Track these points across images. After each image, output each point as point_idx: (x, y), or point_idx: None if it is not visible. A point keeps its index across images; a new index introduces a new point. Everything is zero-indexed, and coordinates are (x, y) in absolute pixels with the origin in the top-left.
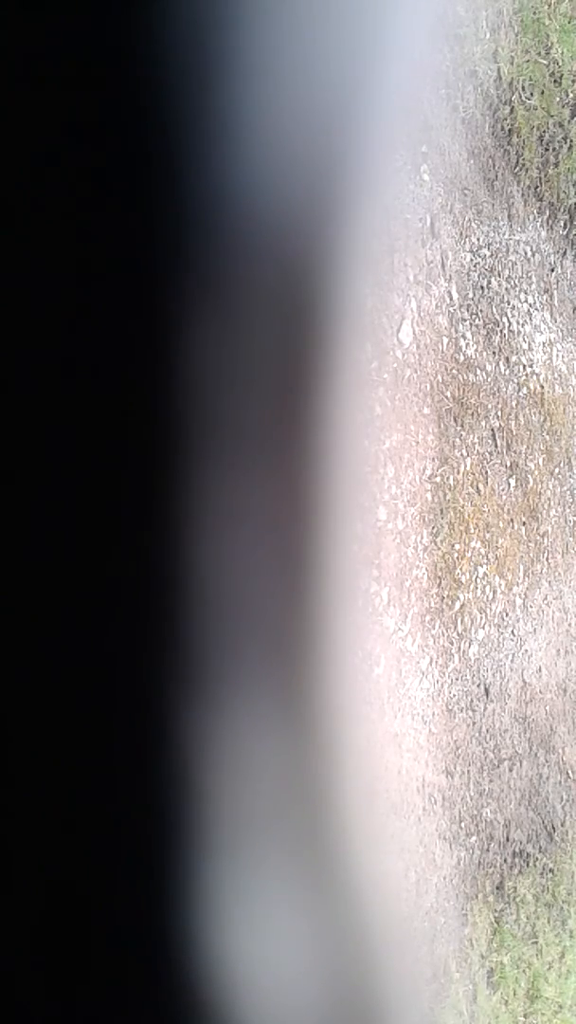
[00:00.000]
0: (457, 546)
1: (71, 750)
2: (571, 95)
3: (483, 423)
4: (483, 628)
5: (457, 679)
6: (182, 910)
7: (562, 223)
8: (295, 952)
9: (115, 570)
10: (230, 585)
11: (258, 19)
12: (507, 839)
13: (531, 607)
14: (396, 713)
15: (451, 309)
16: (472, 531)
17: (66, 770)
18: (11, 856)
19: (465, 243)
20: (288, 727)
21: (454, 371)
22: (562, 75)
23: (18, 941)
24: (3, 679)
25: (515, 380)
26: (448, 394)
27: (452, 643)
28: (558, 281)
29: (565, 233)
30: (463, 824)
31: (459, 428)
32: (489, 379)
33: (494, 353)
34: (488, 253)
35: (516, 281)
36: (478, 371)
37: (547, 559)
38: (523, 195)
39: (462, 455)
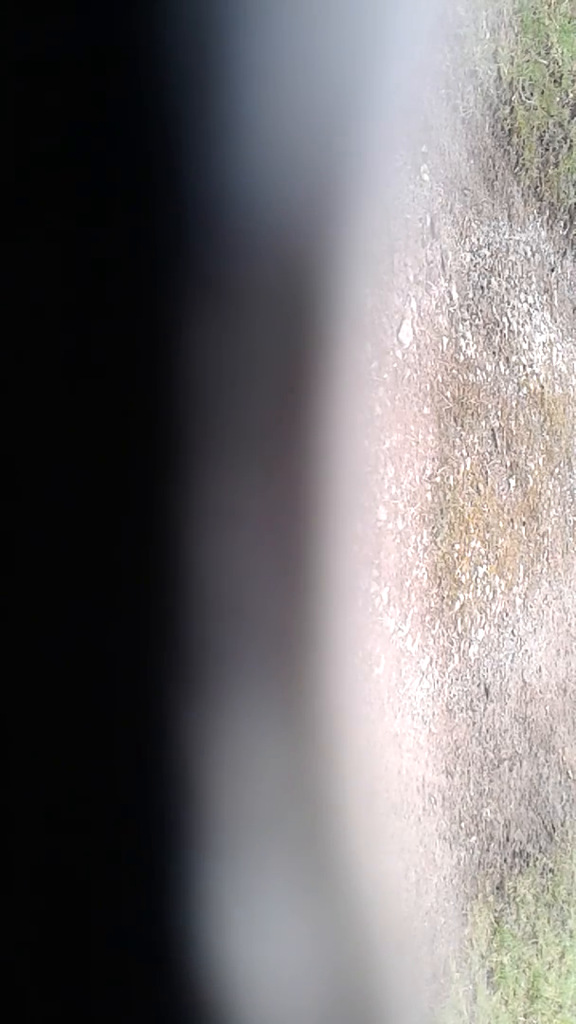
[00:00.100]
0: (457, 546)
1: (71, 750)
2: (571, 95)
3: (483, 423)
4: (483, 628)
5: (457, 679)
6: (182, 910)
7: (562, 223)
8: (295, 952)
9: (115, 570)
10: (230, 585)
11: (258, 19)
12: (507, 839)
13: (531, 607)
14: (396, 713)
15: (451, 309)
16: (472, 531)
17: (66, 770)
18: (11, 856)
19: (465, 243)
20: (288, 727)
21: (454, 371)
22: (562, 75)
23: (18, 941)
24: (3, 679)
25: (515, 380)
26: (448, 394)
27: (452, 643)
28: (558, 281)
29: (565, 233)
30: (463, 824)
31: (459, 428)
32: (489, 379)
33: (494, 353)
34: (488, 253)
35: (516, 281)
36: (478, 371)
37: (547, 559)
38: (523, 195)
39: (462, 455)
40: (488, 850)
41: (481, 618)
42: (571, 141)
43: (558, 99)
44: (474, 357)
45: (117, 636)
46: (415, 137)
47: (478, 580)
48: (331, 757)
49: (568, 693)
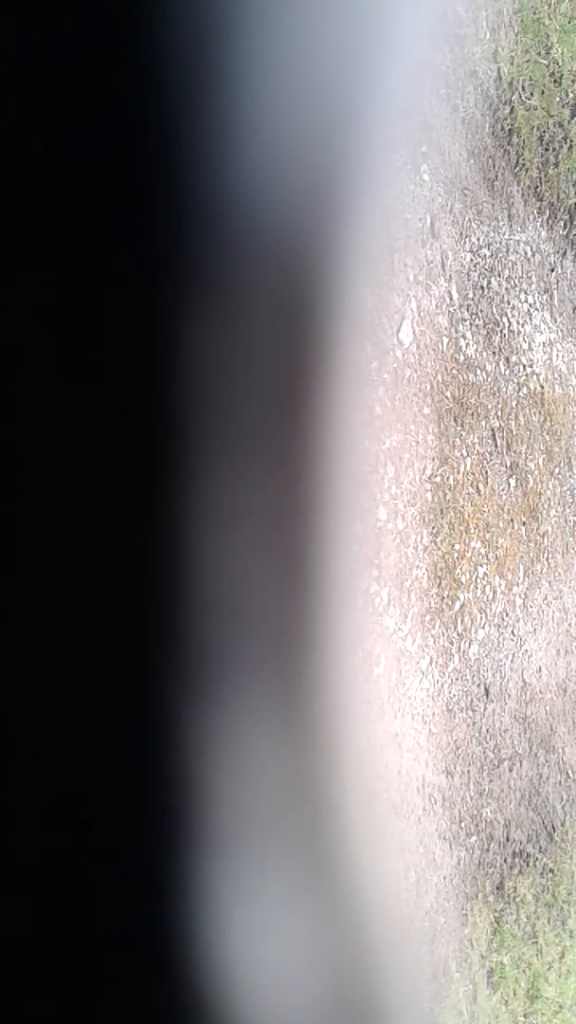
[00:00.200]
0: (457, 546)
1: (71, 750)
2: (571, 95)
3: (483, 423)
4: (483, 628)
5: (457, 679)
6: (182, 910)
7: (562, 223)
8: (295, 952)
9: (115, 570)
10: (230, 585)
11: (258, 19)
12: (507, 839)
13: (531, 607)
14: (396, 713)
15: (451, 309)
16: (472, 531)
17: (66, 770)
18: (11, 856)
19: (465, 243)
20: (288, 727)
21: (454, 371)
22: (562, 75)
23: (18, 941)
24: (4, 679)
25: (515, 380)
26: (448, 394)
27: (452, 643)
28: (558, 281)
29: (565, 233)
30: (463, 824)
31: (459, 428)
32: (489, 379)
33: (494, 353)
34: (488, 253)
35: (516, 281)
36: (478, 371)
37: (547, 559)
38: (523, 195)
39: (462, 455)
40: (488, 850)
41: (481, 618)
42: (571, 141)
43: (558, 99)
44: (474, 357)
45: (117, 636)
46: (415, 137)
47: (478, 580)
48: (331, 757)
49: (568, 693)
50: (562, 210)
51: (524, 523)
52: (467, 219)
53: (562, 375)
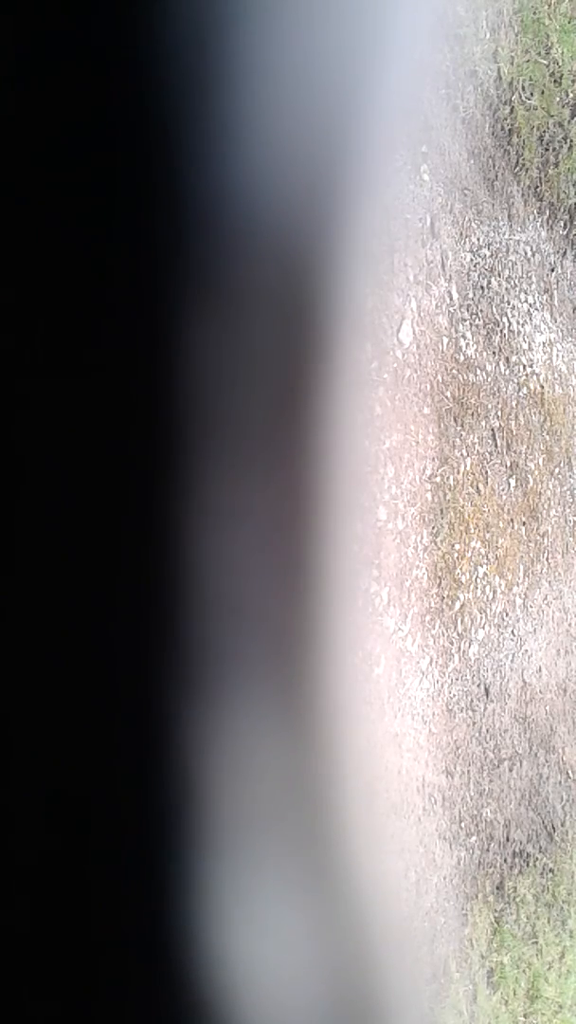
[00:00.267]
0: (457, 546)
1: (71, 750)
2: (571, 95)
3: (483, 423)
4: (483, 628)
5: (457, 679)
6: (182, 910)
7: (562, 223)
8: (295, 952)
9: (115, 570)
10: (230, 585)
11: (259, 19)
12: (507, 839)
13: (531, 607)
14: (396, 713)
15: (451, 309)
16: (472, 531)
17: (66, 770)
18: (11, 855)
19: (465, 243)
20: (288, 727)
21: (454, 371)
22: (562, 75)
23: (18, 940)
24: (4, 679)
25: (515, 380)
26: (448, 394)
27: (452, 643)
28: (558, 281)
29: (565, 233)
30: (463, 824)
31: (459, 428)
32: (489, 379)
33: (494, 353)
34: (488, 253)
35: (516, 281)
36: (478, 371)
37: (547, 559)
38: (523, 195)
39: (462, 455)
40: (488, 850)
41: (481, 618)
42: (571, 141)
43: (558, 99)
44: (474, 357)
45: (117, 636)
46: (415, 137)
47: (478, 580)
48: (331, 757)
49: (568, 693)
50: (562, 210)
51: (524, 523)
52: (467, 219)
53: (562, 375)
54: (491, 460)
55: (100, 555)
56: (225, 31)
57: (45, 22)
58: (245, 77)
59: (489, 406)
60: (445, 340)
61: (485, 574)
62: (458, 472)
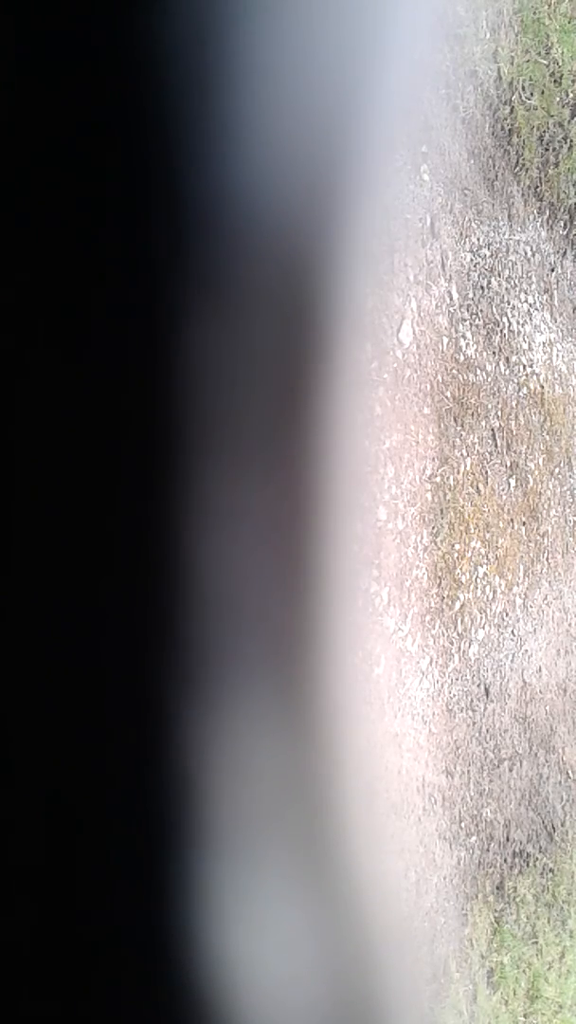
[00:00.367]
0: (457, 546)
1: (71, 749)
2: (571, 95)
3: (483, 423)
4: (483, 628)
5: (457, 679)
6: (182, 910)
7: (562, 223)
8: (295, 952)
9: (115, 570)
10: (230, 585)
11: (258, 19)
12: (507, 839)
13: (531, 607)
14: (396, 713)
15: (451, 309)
16: (472, 531)
17: (66, 770)
18: (11, 855)
19: (465, 243)
20: (288, 727)
21: (454, 371)
22: (562, 75)
23: (18, 940)
24: (3, 679)
25: (515, 380)
26: (448, 394)
27: (452, 643)
28: (558, 281)
29: (565, 233)
30: (463, 824)
31: (459, 428)
32: (489, 379)
33: (494, 353)
34: (488, 253)
35: (516, 281)
36: (478, 371)
37: (547, 559)
38: (523, 195)
39: (462, 455)
40: (488, 850)
41: (481, 618)
42: (571, 141)
43: (558, 99)
44: (474, 357)
45: (117, 636)
46: (415, 137)
47: (478, 580)
48: (331, 757)
49: (568, 693)
50: (562, 210)
51: (524, 523)
52: (467, 219)
53: (562, 375)
54: (491, 460)
55: (100, 555)
56: (225, 31)
57: (45, 22)
58: (245, 77)
59: (489, 406)
60: (445, 340)
61: (485, 574)
62: (458, 472)
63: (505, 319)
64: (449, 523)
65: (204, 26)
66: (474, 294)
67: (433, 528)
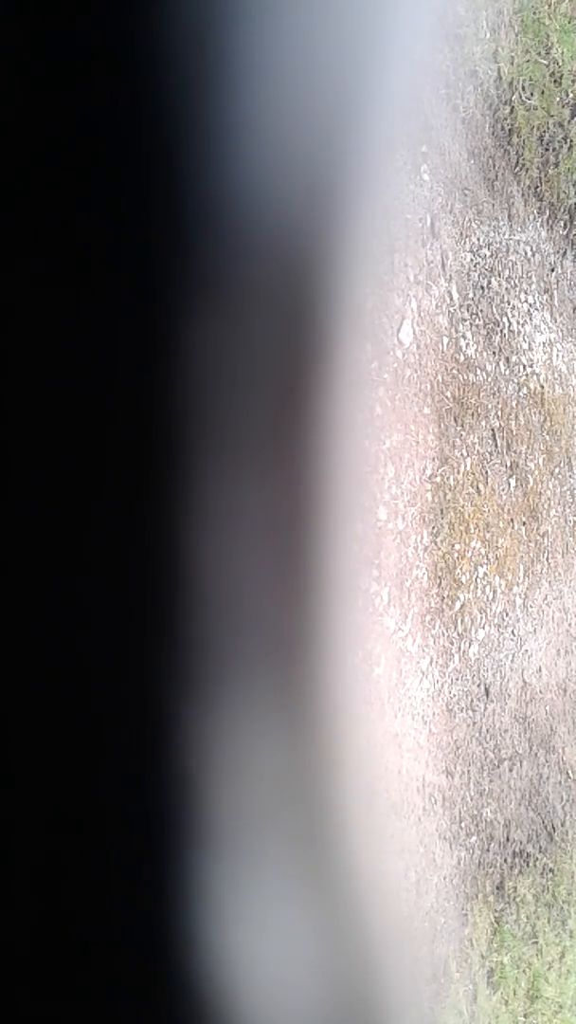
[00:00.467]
0: (457, 546)
1: (71, 749)
2: (571, 95)
3: (483, 423)
4: (483, 628)
5: (457, 679)
6: (182, 910)
7: (562, 223)
8: (295, 952)
9: (115, 570)
10: (230, 585)
11: (258, 19)
12: (507, 839)
13: (531, 607)
14: (396, 713)
15: (451, 309)
16: (472, 531)
17: (66, 770)
18: (11, 855)
19: (465, 243)
20: (288, 727)
21: (454, 371)
22: (562, 75)
23: (18, 941)
24: (3, 679)
25: (515, 380)
26: (448, 394)
27: (452, 643)
28: (558, 281)
29: (565, 233)
30: (463, 824)
31: (459, 428)
32: (489, 379)
33: (494, 353)
34: (488, 253)
35: (516, 281)
36: (478, 371)
37: (547, 559)
38: (523, 195)
39: (462, 455)
40: (488, 850)
41: (481, 618)
42: (571, 141)
43: (558, 99)
44: (474, 357)
45: (117, 636)
46: (415, 137)
47: (478, 580)
48: (331, 757)
49: (568, 693)
50: (562, 210)
51: (524, 523)
52: (467, 219)
53: (562, 375)
54: (491, 460)
55: (99, 555)
56: (225, 31)
57: (44, 22)
58: (245, 77)
59: (489, 406)
60: (445, 340)
61: (485, 574)
62: (458, 472)
63: (505, 319)
64: (449, 523)
65: (204, 26)
66: (474, 294)
67: (433, 528)
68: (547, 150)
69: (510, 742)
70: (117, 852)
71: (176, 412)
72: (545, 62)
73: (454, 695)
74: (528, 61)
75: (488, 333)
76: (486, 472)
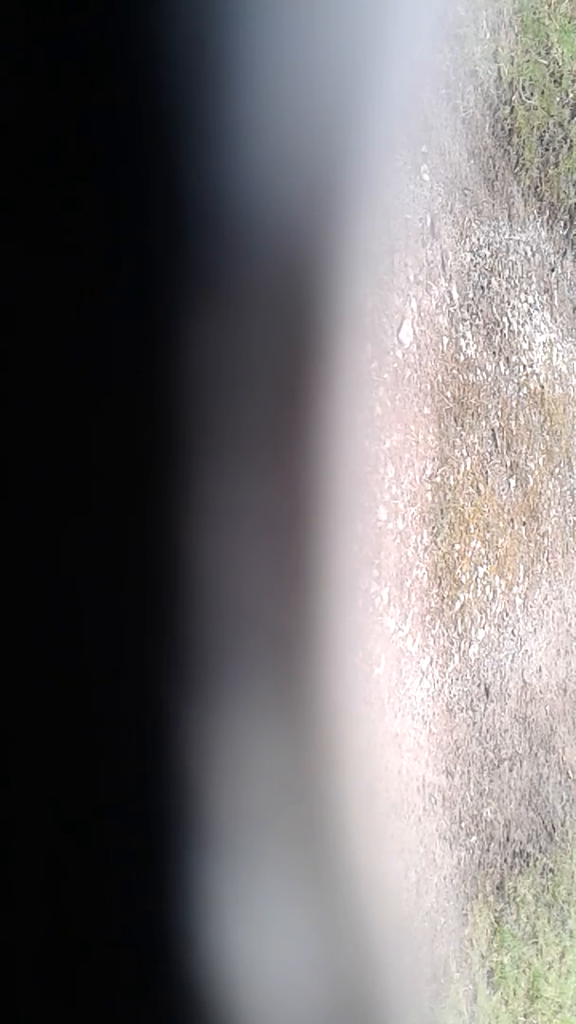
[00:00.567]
0: (457, 546)
1: (71, 749)
2: (571, 95)
3: (483, 423)
4: (483, 628)
5: (457, 679)
6: (182, 910)
7: (562, 223)
8: (295, 952)
9: (115, 570)
10: (230, 585)
11: (258, 19)
12: (507, 839)
13: (531, 607)
14: (396, 713)
15: (451, 309)
16: (472, 531)
17: (66, 769)
18: (11, 855)
19: (465, 243)
20: (288, 727)
21: (454, 371)
22: (562, 75)
23: (17, 940)
24: (3, 679)
25: (515, 380)
26: (448, 394)
27: (452, 643)
28: (558, 281)
29: (565, 233)
30: (463, 824)
31: (459, 428)
32: (489, 379)
33: (494, 353)
34: (488, 253)
35: (516, 281)
36: (478, 371)
37: (547, 559)
38: (523, 195)
39: (462, 455)
40: (488, 850)
41: (481, 618)
42: (571, 141)
43: (558, 99)
44: (474, 357)
45: (117, 635)
46: (415, 137)
47: (478, 580)
48: (331, 757)
49: (568, 693)
50: (562, 210)
51: (524, 523)
52: (467, 219)
53: (562, 375)
54: (491, 460)
55: (99, 555)
56: (225, 31)
57: (44, 22)
58: (245, 76)
59: (489, 406)
60: (445, 340)
61: (485, 574)
62: (458, 472)
63: (505, 319)
64: (449, 523)
65: (204, 26)
66: (474, 294)
67: (433, 528)
68: (547, 150)
69: (510, 742)
70: (117, 852)
71: (176, 412)
72: (545, 62)
73: (454, 695)
74: (528, 61)
75: (488, 333)
76: (486, 472)
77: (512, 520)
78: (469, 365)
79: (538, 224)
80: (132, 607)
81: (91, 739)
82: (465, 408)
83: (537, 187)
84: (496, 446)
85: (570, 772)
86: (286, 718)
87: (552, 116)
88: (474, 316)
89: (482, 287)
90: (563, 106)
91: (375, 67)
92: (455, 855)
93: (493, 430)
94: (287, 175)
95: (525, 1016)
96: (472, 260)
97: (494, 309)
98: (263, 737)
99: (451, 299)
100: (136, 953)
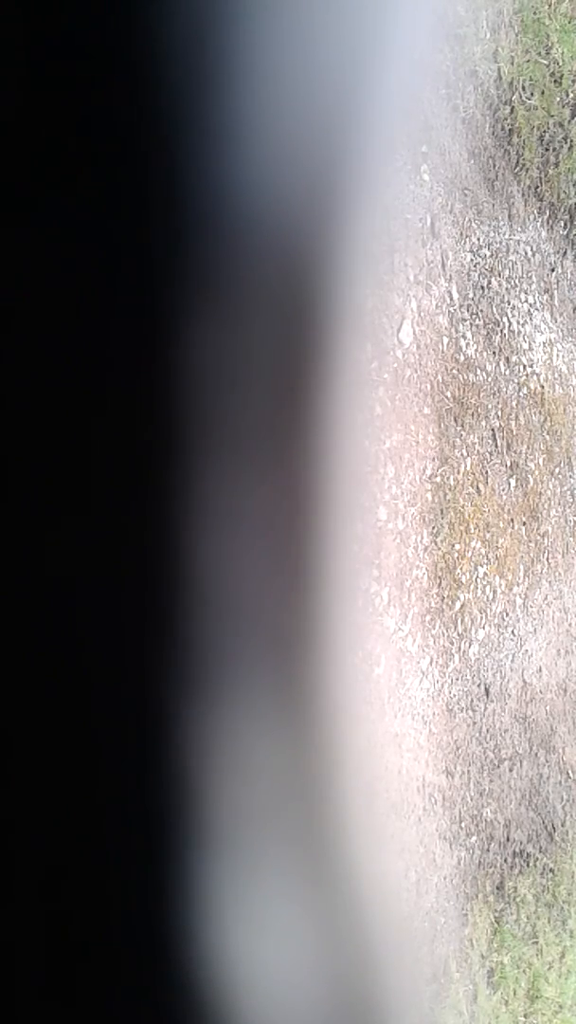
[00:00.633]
0: (457, 546)
1: (71, 749)
2: (571, 95)
3: (483, 423)
4: (483, 628)
5: (457, 679)
6: (182, 910)
7: (562, 223)
8: (295, 952)
9: (115, 570)
10: (230, 585)
11: (259, 18)
12: (507, 839)
13: (531, 607)
14: (396, 713)
15: (451, 309)
16: (472, 531)
17: (65, 770)
18: (11, 855)
19: (465, 243)
20: (288, 727)
21: (454, 371)
22: (562, 75)
23: (17, 940)
24: (3, 679)
25: (515, 380)
26: (448, 394)
27: (452, 643)
28: (558, 281)
29: (565, 233)
30: (463, 824)
31: (459, 428)
32: (489, 379)
33: (494, 353)
34: (488, 253)
35: (516, 281)
36: (478, 371)
37: (547, 559)
38: (523, 195)
39: (462, 455)
40: (488, 850)
41: (481, 618)
42: (571, 141)
43: (558, 99)
44: (474, 357)
45: (117, 635)
46: (415, 137)
47: (478, 580)
48: (331, 757)
49: (568, 693)
50: (562, 210)
51: (524, 523)
52: (467, 219)
53: (562, 375)
54: (491, 460)
55: (100, 555)
56: (225, 31)
57: (44, 21)
58: (245, 76)
59: (489, 406)
60: (445, 340)
61: (485, 574)
62: (458, 472)
63: (505, 319)
64: (449, 523)
65: (204, 25)
66: (474, 294)
67: (433, 528)
68: (547, 150)
69: (510, 742)
70: (117, 852)
71: (176, 412)
72: (545, 62)
73: (454, 695)
74: (528, 61)
75: (488, 333)
76: (486, 472)
77: (512, 520)
78: (469, 365)
79: (538, 224)
80: (132, 607)
81: (91, 739)
82: (465, 408)
83: (537, 187)
84: (496, 446)
85: (570, 772)
86: (286, 718)
87: (552, 116)
88: (474, 316)
89: (482, 287)
90: (563, 106)
91: (375, 67)
92: (455, 855)
93: (493, 430)
94: (287, 175)
95: (525, 1016)
96: (472, 260)
97: (494, 309)
98: (263, 737)
99: (451, 299)
100: (136, 953)
